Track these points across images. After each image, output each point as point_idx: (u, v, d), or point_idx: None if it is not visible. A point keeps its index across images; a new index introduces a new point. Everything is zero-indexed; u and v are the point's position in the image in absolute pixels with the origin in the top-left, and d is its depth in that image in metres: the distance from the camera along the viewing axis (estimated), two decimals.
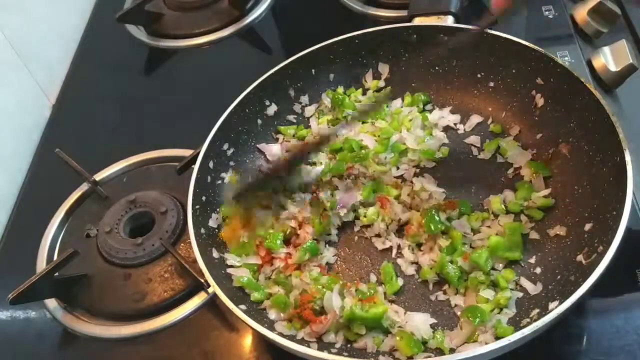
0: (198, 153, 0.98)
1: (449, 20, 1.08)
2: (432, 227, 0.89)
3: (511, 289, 0.85)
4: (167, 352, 0.92)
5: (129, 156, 1.18)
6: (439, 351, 0.80)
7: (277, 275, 0.91)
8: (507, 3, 0.82)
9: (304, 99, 1.13)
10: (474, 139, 1.05)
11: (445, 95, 1.10)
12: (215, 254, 0.91)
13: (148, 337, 0.93)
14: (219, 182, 1.01)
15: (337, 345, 0.83)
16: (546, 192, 0.93)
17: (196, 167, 0.96)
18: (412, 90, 1.11)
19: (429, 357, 0.79)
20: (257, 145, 1.08)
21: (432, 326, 0.83)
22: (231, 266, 0.90)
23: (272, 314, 0.86)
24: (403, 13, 1.16)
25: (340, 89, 1.13)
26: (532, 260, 0.88)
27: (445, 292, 0.87)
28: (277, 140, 1.10)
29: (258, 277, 0.91)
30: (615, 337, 0.82)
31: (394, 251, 0.93)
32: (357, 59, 1.12)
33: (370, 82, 1.13)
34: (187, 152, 1.09)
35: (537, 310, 0.81)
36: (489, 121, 1.06)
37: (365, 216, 0.96)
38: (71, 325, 0.96)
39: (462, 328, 0.82)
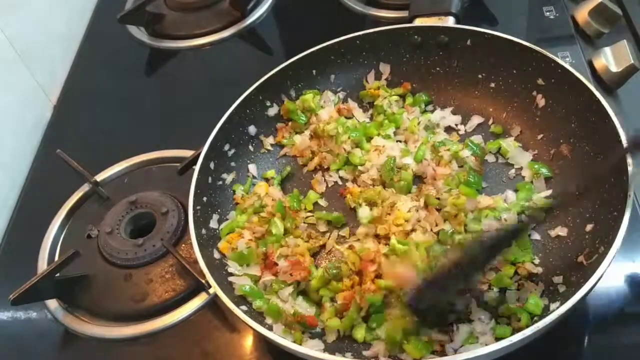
0: (199, 154, 0.98)
1: (449, 21, 1.08)
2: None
3: (513, 290, 0.85)
4: (168, 353, 0.92)
5: (130, 157, 1.18)
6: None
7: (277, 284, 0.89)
8: None
9: None
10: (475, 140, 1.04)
11: (446, 96, 1.10)
12: (217, 255, 0.91)
13: (149, 338, 0.93)
14: (220, 183, 1.01)
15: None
16: (547, 192, 0.93)
17: (197, 167, 0.96)
18: (413, 90, 1.11)
19: (433, 357, 0.79)
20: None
21: None
22: (232, 274, 0.90)
23: (269, 320, 0.85)
24: (404, 14, 1.16)
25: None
26: (534, 261, 0.88)
27: None
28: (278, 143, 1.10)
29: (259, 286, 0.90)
30: (617, 338, 0.82)
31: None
32: (358, 59, 1.12)
33: (371, 82, 1.13)
34: (188, 153, 1.10)
35: None
36: (490, 122, 1.06)
37: None
38: (72, 326, 0.97)
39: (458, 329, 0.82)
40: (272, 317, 0.85)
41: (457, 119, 1.08)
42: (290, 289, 0.88)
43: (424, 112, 1.09)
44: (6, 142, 1.22)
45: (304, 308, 0.87)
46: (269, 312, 0.85)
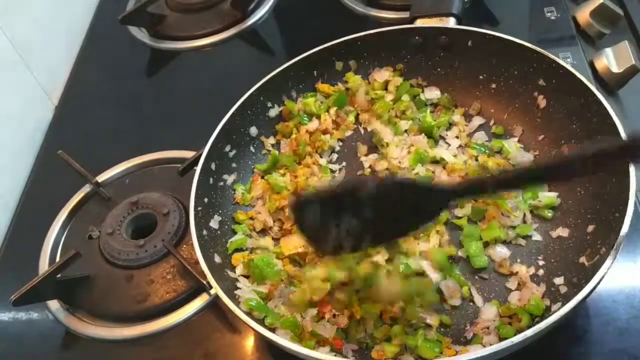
0: (200, 155, 0.98)
1: (450, 22, 1.08)
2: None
3: (514, 290, 0.86)
4: (169, 354, 0.92)
5: (132, 158, 1.18)
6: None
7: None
8: None
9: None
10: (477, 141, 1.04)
11: (448, 97, 1.10)
12: (217, 259, 0.91)
13: (150, 339, 0.93)
14: (221, 183, 1.01)
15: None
16: (553, 194, 0.93)
17: (198, 168, 0.96)
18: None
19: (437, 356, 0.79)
20: None
21: None
22: (239, 288, 0.89)
23: (269, 320, 0.84)
24: (405, 15, 1.16)
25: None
26: (535, 262, 0.88)
27: None
28: (279, 143, 1.11)
29: (267, 303, 0.89)
30: (618, 339, 0.82)
31: None
32: (359, 60, 1.12)
33: (373, 83, 1.13)
34: (189, 154, 1.10)
35: None
36: (491, 123, 1.06)
37: None
38: (73, 327, 0.97)
39: None
40: (289, 329, 0.83)
41: None
42: (314, 311, 0.85)
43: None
44: (7, 143, 1.22)
45: (325, 331, 0.84)
46: (285, 325, 0.83)
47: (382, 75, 1.11)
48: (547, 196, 0.92)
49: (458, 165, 0.99)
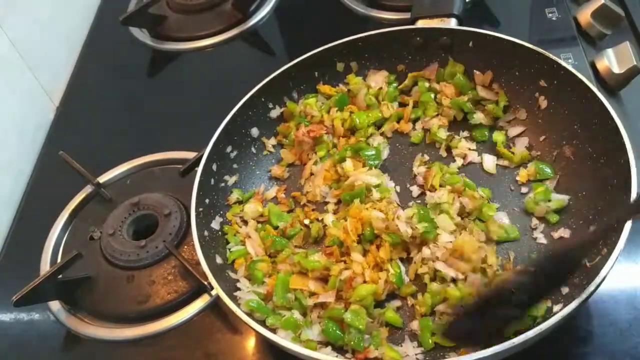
0: (201, 155, 0.98)
1: (452, 23, 1.08)
2: None
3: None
4: (170, 354, 0.92)
5: (133, 158, 1.19)
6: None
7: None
8: None
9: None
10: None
11: None
12: (219, 260, 0.91)
13: (151, 339, 0.94)
14: (222, 184, 1.02)
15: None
16: (565, 197, 0.92)
17: (199, 169, 0.96)
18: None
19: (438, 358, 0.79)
20: None
21: None
22: (239, 289, 0.89)
23: (281, 334, 0.83)
24: (406, 15, 1.16)
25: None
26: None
27: None
28: (280, 144, 1.11)
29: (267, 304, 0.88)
30: (620, 340, 0.82)
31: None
32: (360, 61, 1.12)
33: (374, 84, 1.13)
34: (190, 155, 1.10)
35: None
36: None
37: None
38: (74, 327, 0.97)
39: None
40: (290, 330, 0.83)
41: None
42: (319, 328, 0.84)
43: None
44: (9, 144, 1.22)
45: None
46: (285, 326, 0.83)
47: (377, 80, 1.11)
48: (558, 199, 0.92)
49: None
